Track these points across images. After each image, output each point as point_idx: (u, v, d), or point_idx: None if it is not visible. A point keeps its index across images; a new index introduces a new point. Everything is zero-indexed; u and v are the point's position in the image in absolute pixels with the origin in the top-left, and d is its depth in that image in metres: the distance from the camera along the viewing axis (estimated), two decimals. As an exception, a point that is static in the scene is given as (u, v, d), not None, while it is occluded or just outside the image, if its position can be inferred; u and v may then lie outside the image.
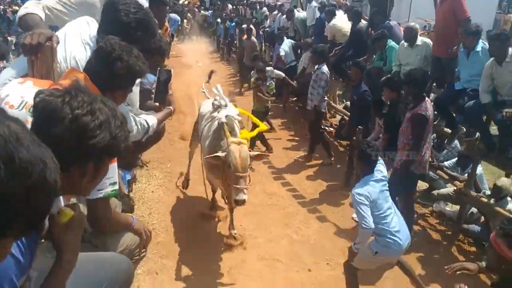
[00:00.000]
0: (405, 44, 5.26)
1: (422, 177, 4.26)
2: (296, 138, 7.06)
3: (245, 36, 10.29)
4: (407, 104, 4.15)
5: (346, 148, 6.47)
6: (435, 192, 4.77)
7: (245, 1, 14.24)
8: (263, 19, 11.34)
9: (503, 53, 3.82)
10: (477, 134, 4.18)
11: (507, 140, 3.88)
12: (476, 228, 4.26)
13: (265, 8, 11.73)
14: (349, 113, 5.82)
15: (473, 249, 4.21)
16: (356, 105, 5.10)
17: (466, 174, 4.36)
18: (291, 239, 4.13)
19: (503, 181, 4.01)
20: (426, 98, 3.90)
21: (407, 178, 3.87)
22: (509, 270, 1.88)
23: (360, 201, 2.82)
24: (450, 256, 4.02)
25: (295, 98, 8.56)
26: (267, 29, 10.47)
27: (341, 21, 7.18)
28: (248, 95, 7.39)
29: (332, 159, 6.00)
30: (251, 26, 9.89)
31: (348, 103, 6.11)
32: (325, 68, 5.67)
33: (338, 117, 7.12)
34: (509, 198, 3.98)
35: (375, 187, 2.93)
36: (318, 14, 8.11)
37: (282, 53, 8.07)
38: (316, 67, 5.78)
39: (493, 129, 4.33)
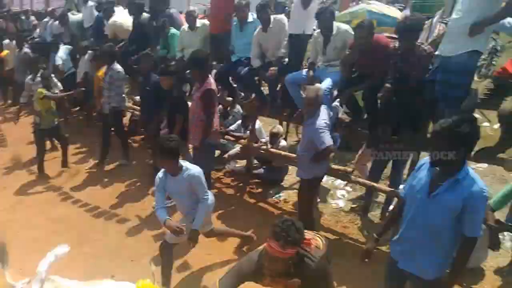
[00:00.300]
0: (186, 28, 5.71)
1: (216, 146, 4.63)
2: (84, 149, 6.68)
3: (3, 53, 9.15)
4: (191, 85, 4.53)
5: (140, 144, 6.63)
6: (226, 155, 5.43)
7: (5, 13, 12.67)
8: (32, 29, 10.38)
9: (268, 19, 4.55)
10: (253, 95, 4.91)
11: (275, 92, 4.76)
12: (261, 170, 5.29)
13: (32, 17, 10.80)
14: (139, 107, 5.85)
15: (260, 190, 5.10)
16: (151, 95, 5.17)
17: (248, 132, 5.11)
18: (88, 255, 3.93)
19: (278, 128, 5.08)
20: (209, 75, 4.33)
21: (208, 150, 4.24)
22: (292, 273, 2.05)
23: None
24: (244, 202, 4.80)
25: (78, 108, 8.07)
26: (37, 39, 9.59)
27: (121, 17, 7.20)
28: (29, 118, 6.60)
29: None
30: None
31: (137, 98, 6.15)
32: (118, 67, 5.63)
33: (128, 115, 7.02)
34: (281, 139, 5.00)
35: None
36: (96, 13, 7.95)
37: (59, 62, 7.55)
38: (105, 67, 5.66)
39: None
